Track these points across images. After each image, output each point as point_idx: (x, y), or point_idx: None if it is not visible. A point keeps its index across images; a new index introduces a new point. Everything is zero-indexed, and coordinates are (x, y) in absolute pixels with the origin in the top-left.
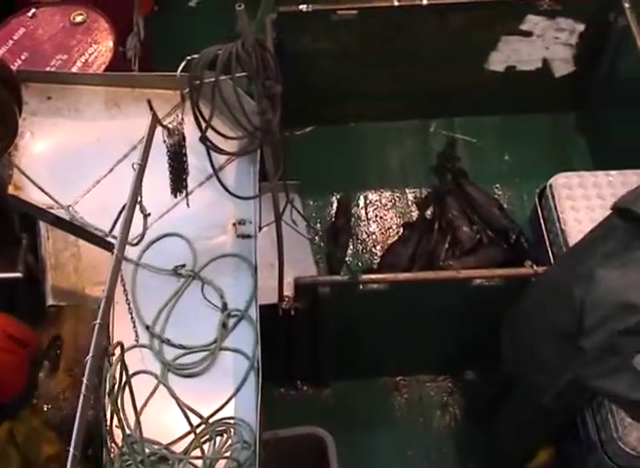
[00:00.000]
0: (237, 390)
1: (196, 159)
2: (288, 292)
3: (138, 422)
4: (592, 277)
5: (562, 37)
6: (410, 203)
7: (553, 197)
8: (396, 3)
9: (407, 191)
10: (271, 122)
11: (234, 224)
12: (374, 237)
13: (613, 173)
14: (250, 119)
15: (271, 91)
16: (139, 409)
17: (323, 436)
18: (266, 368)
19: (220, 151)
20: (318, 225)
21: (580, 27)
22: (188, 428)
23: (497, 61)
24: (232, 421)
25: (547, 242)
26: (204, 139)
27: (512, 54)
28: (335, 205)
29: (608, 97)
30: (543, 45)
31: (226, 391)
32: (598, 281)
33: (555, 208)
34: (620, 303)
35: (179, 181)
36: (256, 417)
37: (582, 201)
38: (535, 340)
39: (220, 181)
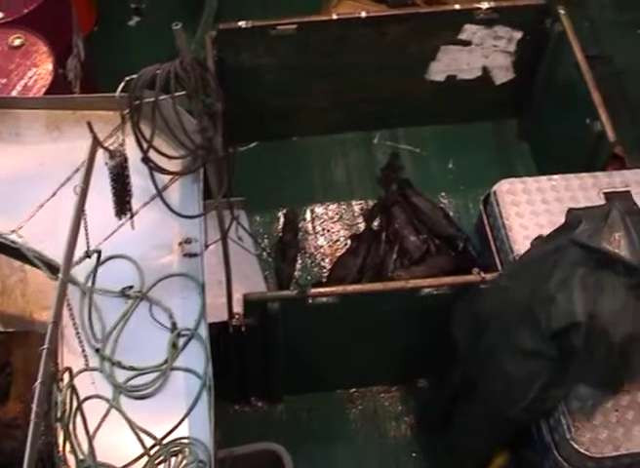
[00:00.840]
0: (190, 409)
1: (140, 179)
2: (238, 308)
3: (90, 447)
4: (553, 302)
5: (500, 45)
6: (356, 215)
7: (498, 203)
8: (335, 16)
9: (353, 203)
10: (213, 140)
11: (180, 243)
12: (322, 250)
13: (555, 177)
14: (191, 138)
15: (211, 108)
16: (91, 433)
17: (279, 451)
18: (219, 385)
19: (163, 171)
20: (266, 241)
21: (518, 35)
22: (142, 450)
23: (437, 71)
24: (187, 441)
25: (494, 248)
26: (146, 160)
27: (452, 63)
28: (282, 220)
29: (547, 101)
30: (482, 53)
31: (179, 411)
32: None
33: (500, 214)
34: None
35: (122, 203)
36: (210, 436)
37: (527, 206)
38: (496, 352)
39: (163, 201)
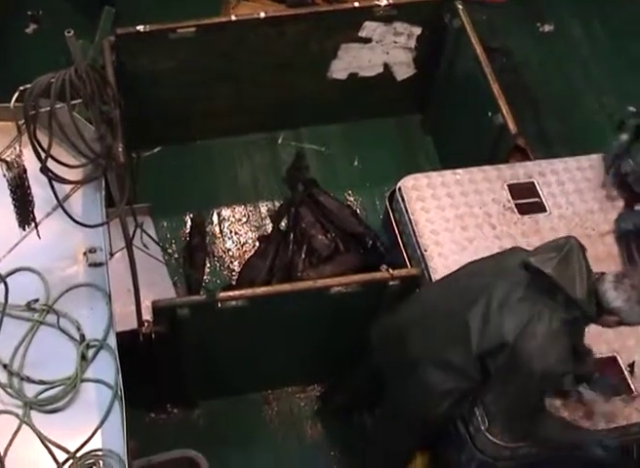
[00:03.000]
0: (102, 421)
1: (42, 189)
2: (147, 316)
3: (2, 464)
4: (488, 321)
5: (400, 41)
6: (264, 216)
7: (403, 199)
8: (233, 18)
9: (260, 204)
10: (112, 147)
11: (85, 253)
12: (230, 253)
13: (459, 171)
14: (90, 146)
15: (109, 115)
16: (2, 450)
17: (196, 458)
18: (134, 394)
19: (62, 181)
20: (174, 246)
21: (417, 30)
22: (55, 465)
23: (338, 69)
24: (100, 453)
25: (401, 244)
26: (44, 170)
27: (353, 61)
28: (188, 224)
29: (449, 96)
30: (383, 50)
31: (92, 423)
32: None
33: (406, 210)
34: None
35: (25, 214)
36: (123, 446)
37: (432, 201)
38: (420, 362)
39: (65, 211)
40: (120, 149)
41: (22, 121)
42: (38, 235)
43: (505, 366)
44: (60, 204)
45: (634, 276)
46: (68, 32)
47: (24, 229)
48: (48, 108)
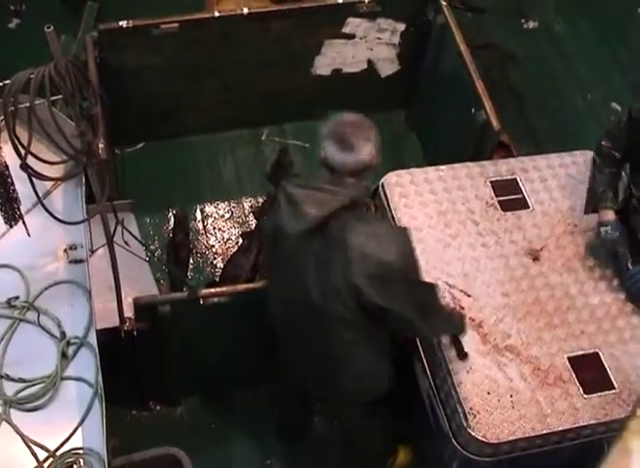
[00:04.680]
0: (83, 419)
1: (22, 186)
2: (129, 313)
3: None
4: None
5: (384, 37)
6: (247, 212)
7: (386, 196)
8: (217, 14)
9: (243, 200)
10: (92, 144)
11: (65, 250)
12: (214, 250)
13: (442, 167)
14: (71, 142)
15: (89, 112)
16: None
17: (178, 455)
18: (115, 391)
19: (42, 177)
20: (157, 242)
21: (401, 27)
22: (36, 463)
23: (322, 65)
24: (81, 451)
25: None
26: (24, 167)
27: (337, 57)
28: (172, 220)
29: (433, 92)
30: (367, 46)
31: (72, 421)
32: None
33: (389, 206)
34: None
35: (10, 210)
36: (103, 445)
37: (415, 197)
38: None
39: (45, 208)
40: (101, 146)
41: (1, 117)
42: (28, 233)
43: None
44: (41, 201)
45: None
46: (48, 27)
47: (11, 226)
48: (27, 104)
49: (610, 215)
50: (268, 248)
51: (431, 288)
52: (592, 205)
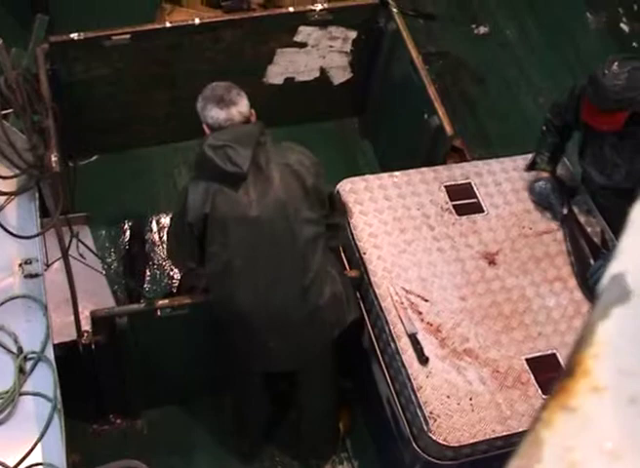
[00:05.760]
0: (42, 434)
1: None
2: (87, 326)
3: None
4: None
5: (336, 45)
6: None
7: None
8: (168, 24)
9: None
10: (45, 157)
11: (21, 265)
12: (170, 261)
13: (397, 173)
14: (23, 156)
15: (41, 125)
16: None
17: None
18: (75, 406)
19: None
20: (113, 255)
21: (353, 34)
22: None
23: (275, 74)
24: (41, 467)
25: (340, 247)
26: None
27: (289, 65)
28: (127, 232)
29: (386, 99)
30: (319, 54)
31: (31, 437)
32: None
33: None
34: None
35: None
36: (63, 460)
37: (370, 204)
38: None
39: None
40: (54, 159)
41: None
42: None
43: None
44: None
45: None
46: None
47: None
48: None
49: (544, 174)
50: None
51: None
52: (532, 165)
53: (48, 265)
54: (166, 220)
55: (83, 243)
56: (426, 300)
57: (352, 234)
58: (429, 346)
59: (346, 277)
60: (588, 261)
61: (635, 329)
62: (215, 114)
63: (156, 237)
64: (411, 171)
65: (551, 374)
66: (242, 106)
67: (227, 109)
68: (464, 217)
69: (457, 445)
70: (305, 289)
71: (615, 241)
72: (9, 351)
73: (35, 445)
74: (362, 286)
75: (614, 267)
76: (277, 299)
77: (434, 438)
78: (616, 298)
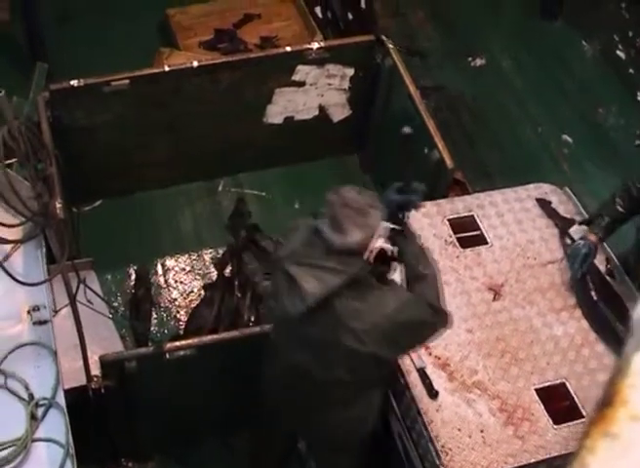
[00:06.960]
0: None
1: None
2: (96, 371)
3: None
4: None
5: (334, 83)
6: (208, 264)
7: None
8: (167, 68)
9: (203, 252)
10: (49, 204)
11: (29, 312)
12: (176, 303)
13: None
14: (27, 205)
15: (45, 173)
16: None
17: None
18: (87, 450)
19: (1, 241)
20: (119, 299)
21: (350, 72)
22: None
23: (274, 114)
24: None
25: None
26: None
27: (288, 105)
28: (133, 276)
29: (385, 134)
30: (317, 92)
31: None
32: None
33: None
34: None
35: None
36: None
37: None
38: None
39: (5, 271)
40: (59, 205)
41: None
42: None
43: None
44: (1, 264)
45: None
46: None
47: None
48: None
49: (592, 237)
50: (276, 325)
51: None
52: (589, 221)
53: (56, 311)
54: (171, 263)
55: (90, 288)
56: None
57: None
58: (438, 380)
59: None
60: (592, 295)
61: None
62: (323, 226)
63: (161, 280)
64: None
65: (561, 404)
66: (352, 238)
67: (333, 233)
68: (469, 250)
69: None
70: None
71: (620, 269)
72: (20, 398)
73: None
74: None
75: None
76: None
77: None
78: None
